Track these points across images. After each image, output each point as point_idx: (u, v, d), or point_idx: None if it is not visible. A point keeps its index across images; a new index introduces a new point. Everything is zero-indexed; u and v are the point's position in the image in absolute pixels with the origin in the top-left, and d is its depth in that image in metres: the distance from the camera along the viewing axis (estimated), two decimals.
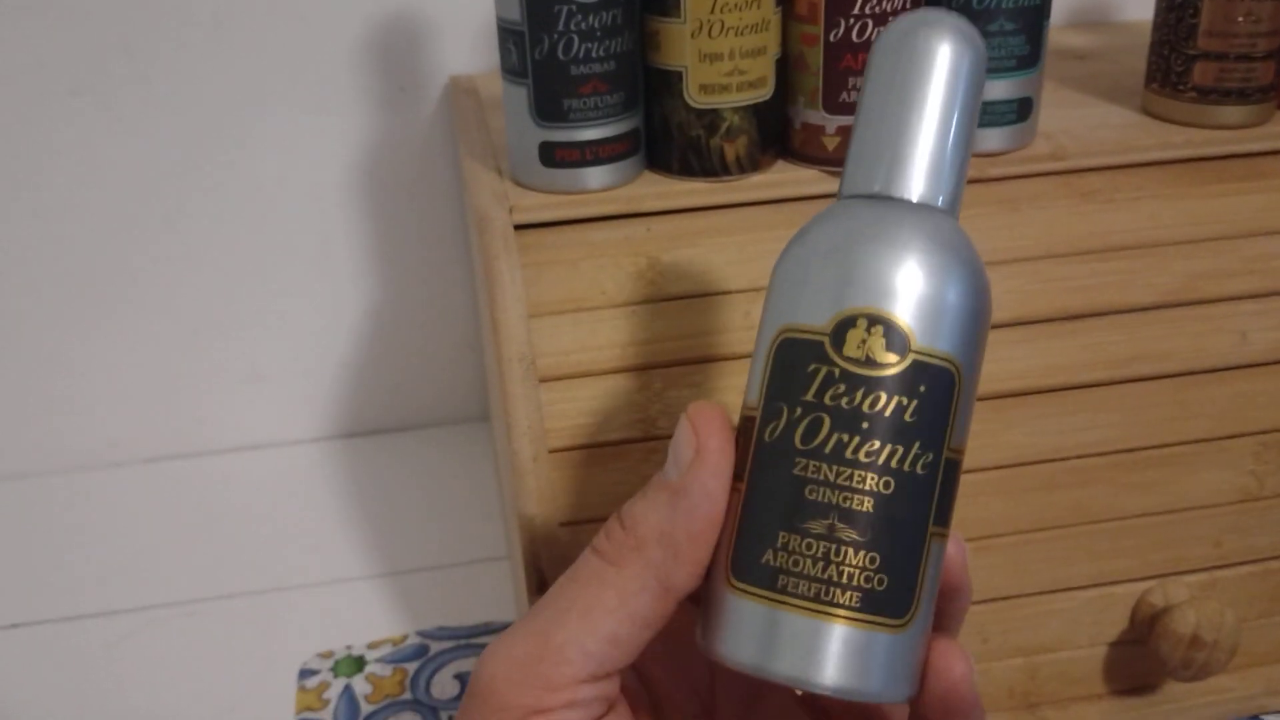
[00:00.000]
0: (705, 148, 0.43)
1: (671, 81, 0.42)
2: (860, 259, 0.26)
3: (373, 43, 0.63)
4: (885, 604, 0.26)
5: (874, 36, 0.27)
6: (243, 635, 0.56)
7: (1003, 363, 0.43)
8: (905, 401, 0.26)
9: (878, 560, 0.26)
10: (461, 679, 0.52)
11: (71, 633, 0.56)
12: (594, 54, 0.41)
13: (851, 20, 0.41)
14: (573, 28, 0.41)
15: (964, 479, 0.28)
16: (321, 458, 0.70)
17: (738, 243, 0.43)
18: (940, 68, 0.27)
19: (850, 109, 0.43)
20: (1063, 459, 0.44)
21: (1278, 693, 0.47)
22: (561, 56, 0.41)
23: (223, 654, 0.54)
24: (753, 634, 0.26)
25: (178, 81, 0.62)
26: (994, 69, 0.44)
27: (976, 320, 0.27)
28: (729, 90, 0.42)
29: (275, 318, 0.68)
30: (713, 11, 0.41)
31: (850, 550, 0.26)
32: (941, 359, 0.26)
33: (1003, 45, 0.43)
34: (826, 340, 0.26)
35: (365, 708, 0.51)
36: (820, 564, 0.26)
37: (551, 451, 0.41)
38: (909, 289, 0.26)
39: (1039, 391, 0.43)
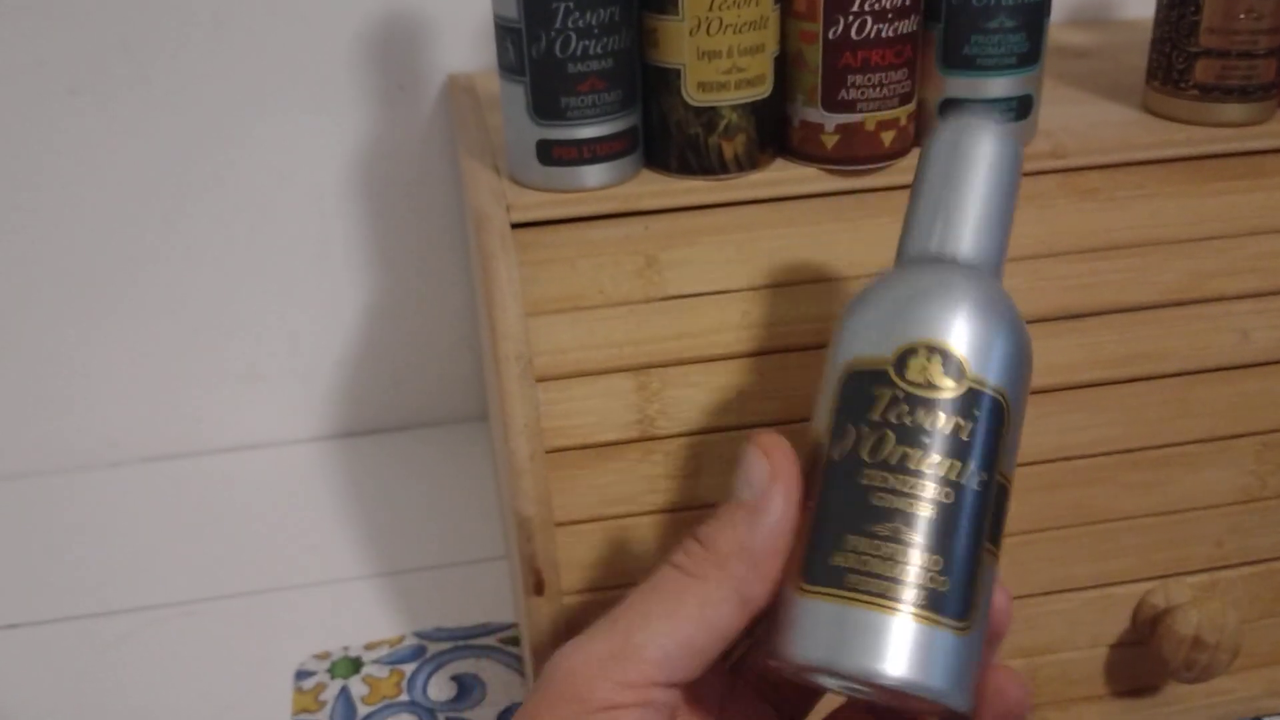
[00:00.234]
0: (703, 146, 0.43)
1: (669, 79, 0.42)
2: (921, 302, 0.30)
3: (371, 41, 0.63)
4: (948, 604, 0.28)
5: (931, 131, 0.34)
6: (239, 636, 0.55)
7: None
8: (962, 423, 0.29)
9: (941, 563, 0.28)
10: (459, 680, 0.52)
11: (68, 633, 0.56)
12: (591, 51, 0.41)
13: (850, 18, 0.41)
14: (570, 25, 0.40)
15: None
16: (319, 457, 0.70)
17: (736, 241, 0.43)
18: (987, 160, 0.32)
19: (849, 107, 0.43)
20: (1063, 459, 0.43)
21: (1279, 694, 0.47)
22: (559, 54, 0.41)
23: (219, 655, 0.54)
24: (823, 631, 0.28)
25: (177, 80, 0.62)
26: (994, 66, 0.44)
27: (1021, 363, 0.30)
28: (727, 88, 0.42)
29: (273, 316, 0.68)
30: (711, 9, 0.41)
31: (915, 551, 0.28)
32: (992, 389, 0.29)
33: (1003, 42, 0.43)
34: (890, 368, 0.30)
35: (362, 709, 0.50)
36: (887, 563, 0.28)
37: (549, 451, 0.41)
38: (962, 326, 0.30)
39: (1039, 391, 0.43)
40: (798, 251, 0.43)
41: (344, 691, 0.51)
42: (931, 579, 0.28)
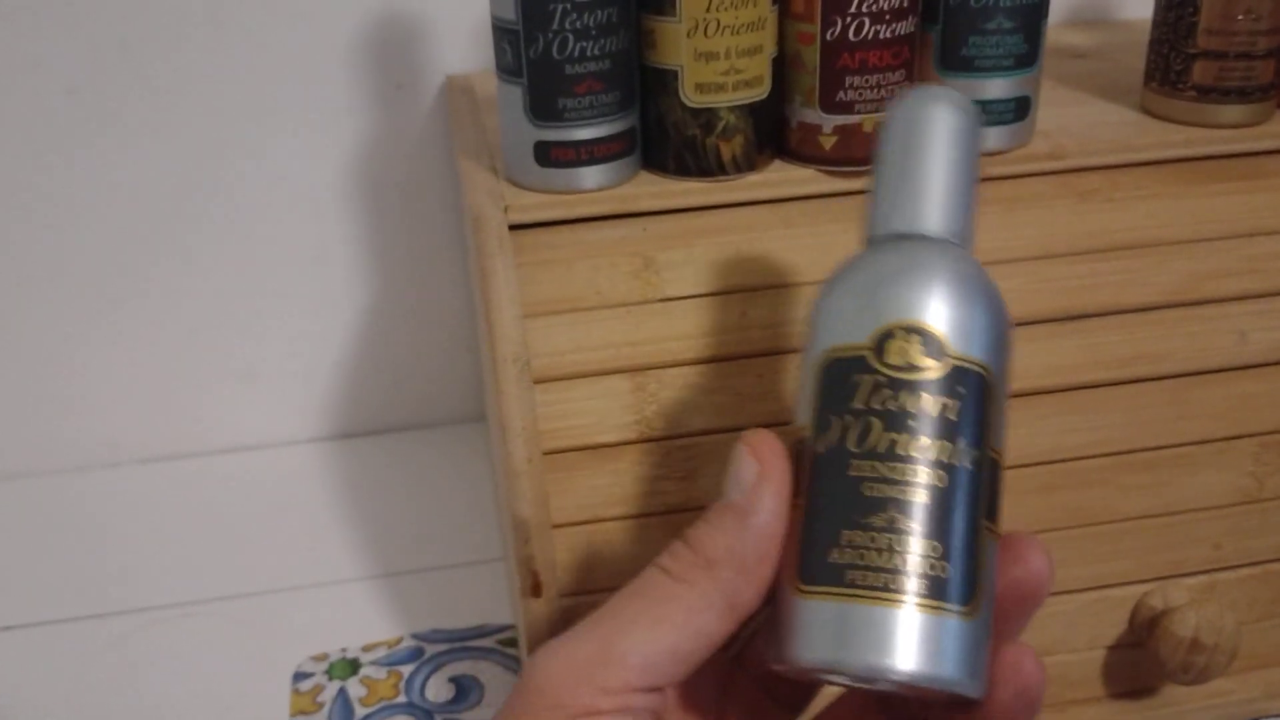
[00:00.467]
0: (701, 147, 0.43)
1: (667, 80, 0.42)
2: (894, 282, 0.29)
3: (369, 41, 0.63)
4: (952, 590, 0.27)
5: (886, 107, 0.33)
6: (237, 637, 0.55)
7: None
8: (949, 402, 0.28)
9: (940, 549, 0.27)
10: (457, 682, 0.52)
11: (66, 634, 0.56)
12: (589, 53, 0.41)
13: (848, 19, 0.41)
14: (568, 26, 0.40)
15: None
16: (317, 458, 0.70)
17: (734, 242, 0.43)
18: (945, 131, 0.31)
19: (847, 108, 0.43)
20: (1061, 460, 0.43)
21: (1278, 696, 0.47)
22: (556, 55, 0.41)
23: (217, 656, 0.54)
24: (826, 631, 0.27)
25: (174, 80, 0.62)
26: (992, 67, 0.44)
27: (1000, 334, 0.30)
28: (725, 89, 0.42)
29: (271, 317, 0.68)
30: (708, 10, 0.40)
31: (913, 539, 0.27)
32: (975, 364, 0.29)
33: (1000, 44, 0.43)
34: (869, 353, 0.29)
35: (360, 711, 0.50)
36: (886, 555, 0.27)
37: (546, 453, 0.41)
38: (939, 303, 0.29)
39: (1037, 392, 0.43)
40: (796, 253, 0.43)
41: (342, 693, 0.51)
42: (933, 566, 0.27)
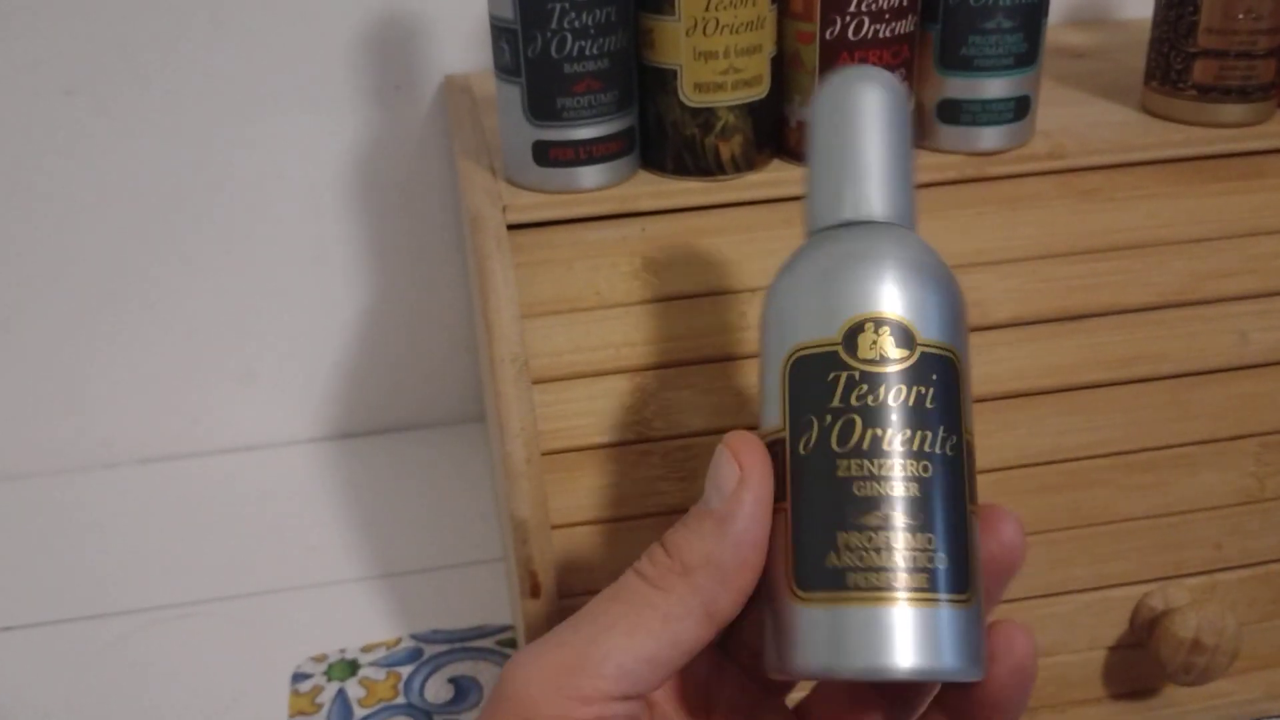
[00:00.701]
0: (700, 147, 0.43)
1: (666, 80, 0.42)
2: (854, 274, 0.29)
3: (368, 41, 0.63)
4: (948, 580, 0.27)
5: (812, 97, 0.32)
6: (236, 638, 0.55)
7: (1001, 363, 0.43)
8: (924, 390, 0.28)
9: (933, 540, 0.27)
10: (456, 682, 0.52)
11: (64, 635, 0.56)
12: (588, 52, 0.41)
13: (847, 18, 0.41)
14: (566, 25, 0.40)
15: None
16: (316, 459, 0.70)
17: (733, 242, 0.42)
18: (874, 110, 0.30)
19: None
20: (1061, 460, 0.43)
21: (1278, 697, 0.47)
22: (555, 55, 0.41)
23: (216, 657, 0.54)
24: (830, 637, 0.27)
25: (173, 81, 0.62)
26: (991, 67, 0.43)
27: (960, 314, 0.30)
28: (724, 89, 0.42)
29: (269, 317, 0.68)
30: (707, 9, 0.40)
31: (907, 534, 0.27)
32: (943, 348, 0.29)
33: (1000, 43, 0.43)
34: (840, 349, 0.28)
35: (359, 711, 0.50)
36: (884, 553, 0.27)
37: (545, 453, 0.41)
38: (903, 291, 0.28)
39: (1037, 392, 0.43)
40: None
41: (341, 694, 0.51)
42: (929, 559, 0.27)
